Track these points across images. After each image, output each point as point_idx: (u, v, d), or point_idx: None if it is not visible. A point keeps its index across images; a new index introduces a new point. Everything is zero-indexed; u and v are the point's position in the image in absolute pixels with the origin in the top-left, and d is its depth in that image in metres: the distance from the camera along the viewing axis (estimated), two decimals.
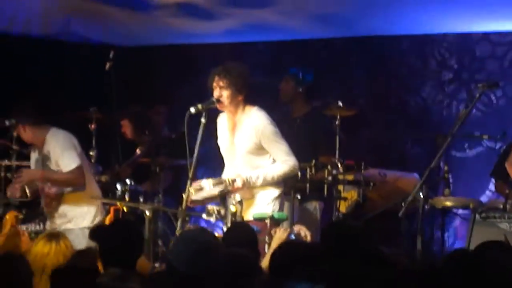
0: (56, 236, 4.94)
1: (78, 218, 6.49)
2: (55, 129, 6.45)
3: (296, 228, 5.52)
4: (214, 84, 6.01)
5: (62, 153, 6.35)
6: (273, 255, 4.16)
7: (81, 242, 6.25)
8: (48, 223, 6.48)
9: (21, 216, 6.13)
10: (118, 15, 8.28)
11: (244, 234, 4.82)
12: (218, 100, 5.99)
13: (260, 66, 8.74)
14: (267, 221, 5.62)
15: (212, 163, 6.36)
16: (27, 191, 6.48)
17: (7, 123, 6.99)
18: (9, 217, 5.90)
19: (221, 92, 5.98)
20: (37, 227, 6.37)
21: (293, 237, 5.32)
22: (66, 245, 4.87)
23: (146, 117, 8.19)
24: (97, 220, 6.52)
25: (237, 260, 3.55)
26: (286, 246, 4.34)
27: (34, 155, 6.61)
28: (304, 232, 5.44)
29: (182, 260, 3.66)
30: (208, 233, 3.98)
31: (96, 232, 4.70)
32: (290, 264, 3.99)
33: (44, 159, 6.46)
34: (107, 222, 5.33)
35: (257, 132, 5.98)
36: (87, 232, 6.27)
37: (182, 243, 3.78)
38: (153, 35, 9.20)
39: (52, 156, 6.40)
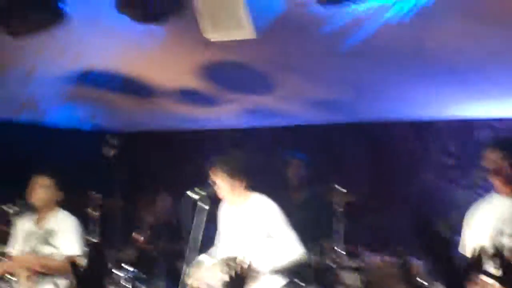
0: None
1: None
2: (63, 210, 6.46)
3: None
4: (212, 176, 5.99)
5: (73, 236, 6.34)
6: None
7: None
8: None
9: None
10: (120, 101, 8.35)
11: None
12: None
13: (260, 151, 8.75)
14: None
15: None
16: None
17: (11, 211, 6.95)
18: None
19: (217, 185, 5.96)
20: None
21: None
22: None
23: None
24: None
25: None
26: None
27: (26, 225, 6.51)
28: None
29: None
30: None
31: None
32: None
33: (47, 234, 6.42)
34: None
35: (264, 219, 5.89)
36: None
37: None
38: (155, 121, 9.25)
39: (59, 235, 6.37)
